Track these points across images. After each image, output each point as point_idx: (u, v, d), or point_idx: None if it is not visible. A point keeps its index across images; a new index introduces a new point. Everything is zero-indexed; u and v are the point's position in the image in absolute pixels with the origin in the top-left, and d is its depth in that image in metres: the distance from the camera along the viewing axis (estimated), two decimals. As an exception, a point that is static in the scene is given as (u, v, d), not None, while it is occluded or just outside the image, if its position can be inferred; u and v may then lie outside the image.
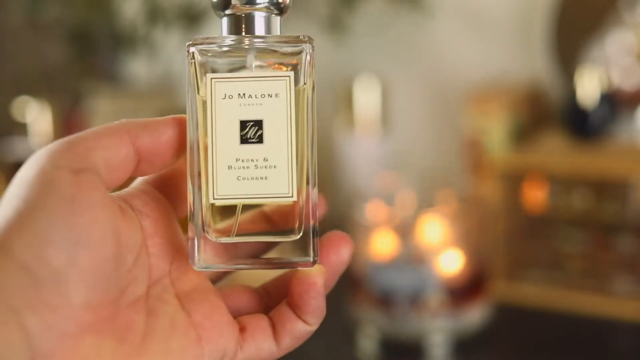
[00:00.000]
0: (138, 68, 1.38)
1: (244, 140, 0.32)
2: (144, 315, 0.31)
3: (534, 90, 1.06)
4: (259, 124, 0.32)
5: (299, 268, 0.33)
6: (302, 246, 0.33)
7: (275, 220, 0.34)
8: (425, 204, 0.90)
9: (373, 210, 0.89)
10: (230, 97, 0.32)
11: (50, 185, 0.28)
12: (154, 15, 1.20)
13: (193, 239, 0.32)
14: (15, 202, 0.28)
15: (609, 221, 0.89)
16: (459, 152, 1.07)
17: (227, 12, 0.33)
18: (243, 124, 0.32)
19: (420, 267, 0.83)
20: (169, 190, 0.34)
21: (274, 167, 0.32)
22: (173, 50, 1.25)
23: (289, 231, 0.33)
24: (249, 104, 0.32)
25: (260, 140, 0.32)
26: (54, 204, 0.28)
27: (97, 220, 0.29)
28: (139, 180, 0.34)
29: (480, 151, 0.99)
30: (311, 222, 0.33)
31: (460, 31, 1.13)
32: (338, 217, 1.14)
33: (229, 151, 0.32)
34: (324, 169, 1.18)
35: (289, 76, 0.32)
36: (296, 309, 0.33)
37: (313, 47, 0.33)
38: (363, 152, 1.10)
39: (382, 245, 0.86)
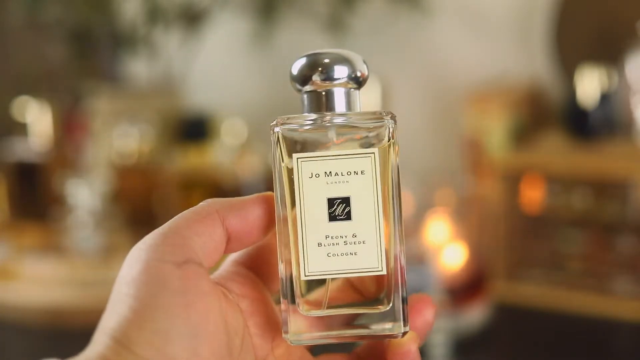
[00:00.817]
0: (138, 68, 1.38)
1: (332, 217, 0.33)
2: None
3: (534, 90, 1.06)
4: (346, 201, 0.33)
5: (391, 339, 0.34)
6: (392, 316, 0.33)
7: (364, 290, 0.34)
8: (425, 204, 0.90)
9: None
10: (317, 175, 0.33)
11: (159, 281, 0.29)
12: (154, 15, 1.20)
13: (285, 312, 0.33)
14: (128, 300, 0.29)
15: (609, 221, 0.89)
16: (459, 152, 1.07)
17: (307, 88, 0.34)
18: (331, 202, 0.33)
19: (420, 267, 0.84)
20: (259, 268, 0.35)
21: (363, 242, 0.33)
22: (173, 50, 1.25)
23: (378, 301, 0.34)
24: (335, 182, 0.33)
25: (348, 217, 0.33)
26: (167, 299, 0.29)
27: (210, 310, 0.30)
28: (228, 261, 0.35)
29: (480, 151, 0.99)
30: (400, 293, 0.33)
31: (460, 31, 1.13)
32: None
33: (318, 228, 0.33)
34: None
35: (374, 153, 0.33)
36: None
37: (395, 121, 0.34)
38: (363, 152, 1.10)
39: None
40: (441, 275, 0.83)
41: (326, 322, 0.34)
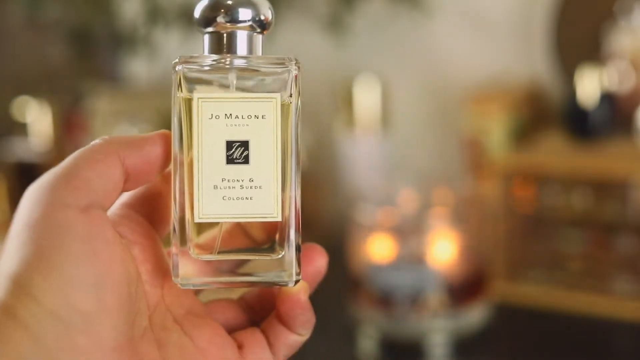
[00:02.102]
0: (138, 68, 1.38)
1: (230, 160, 0.32)
2: (155, 347, 0.31)
3: (534, 90, 1.06)
4: (245, 144, 0.32)
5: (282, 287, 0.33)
6: (283, 264, 0.33)
7: (256, 237, 0.34)
8: (425, 204, 0.90)
9: (373, 210, 0.89)
10: (217, 117, 0.32)
11: (63, 226, 0.28)
12: (154, 15, 1.20)
13: (176, 256, 0.33)
14: (31, 245, 0.28)
15: (609, 221, 0.89)
16: (459, 152, 1.07)
17: (210, 29, 0.33)
18: (229, 144, 0.32)
19: (420, 267, 0.83)
20: (148, 211, 0.34)
21: (260, 187, 0.32)
22: (173, 50, 1.25)
23: (271, 248, 0.33)
24: (235, 125, 0.32)
25: (246, 160, 0.32)
26: (72, 246, 0.28)
27: (114, 258, 0.29)
28: (117, 205, 0.34)
29: (480, 151, 0.99)
30: (294, 241, 0.33)
31: (460, 31, 1.13)
32: (338, 217, 1.14)
33: (215, 171, 0.32)
34: (324, 169, 1.18)
35: (276, 98, 0.33)
36: (286, 324, 0.33)
37: (299, 67, 0.33)
38: (363, 152, 1.10)
39: (382, 245, 0.86)
40: (441, 275, 0.83)
41: (217, 267, 0.34)
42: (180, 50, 1.24)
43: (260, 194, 0.32)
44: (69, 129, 1.28)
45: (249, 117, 0.32)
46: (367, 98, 1.10)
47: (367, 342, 0.85)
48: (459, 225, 0.86)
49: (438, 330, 0.82)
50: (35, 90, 1.30)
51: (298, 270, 0.33)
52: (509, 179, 0.92)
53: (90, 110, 1.23)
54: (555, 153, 0.92)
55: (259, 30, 0.34)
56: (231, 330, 0.34)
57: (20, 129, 1.28)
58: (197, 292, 0.35)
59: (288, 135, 0.33)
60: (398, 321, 0.83)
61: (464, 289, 0.84)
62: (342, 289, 0.91)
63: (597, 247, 0.90)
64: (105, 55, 1.38)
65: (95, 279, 0.28)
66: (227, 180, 0.32)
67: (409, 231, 0.86)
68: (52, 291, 0.27)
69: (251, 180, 0.32)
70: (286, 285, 0.33)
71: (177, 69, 0.33)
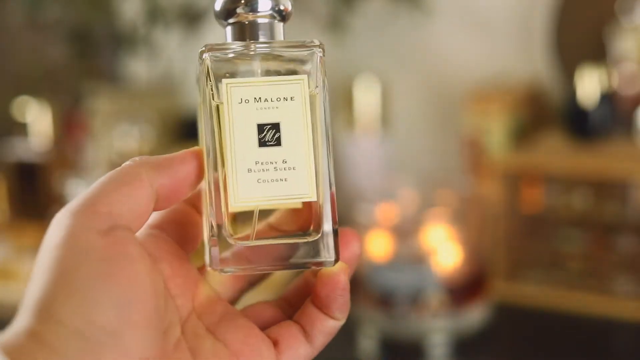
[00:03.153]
0: (138, 68, 1.38)
1: (262, 143, 0.32)
2: (189, 355, 0.32)
3: (534, 90, 1.06)
4: (276, 126, 0.32)
5: (321, 268, 0.33)
6: (321, 246, 0.33)
7: (288, 227, 0.34)
8: (425, 204, 0.90)
9: (373, 210, 0.89)
10: (247, 101, 0.32)
11: (82, 249, 0.29)
12: (154, 15, 1.20)
13: (215, 246, 0.33)
14: (52, 269, 0.28)
15: (609, 221, 0.89)
16: (459, 152, 1.07)
17: (231, 20, 0.34)
18: (260, 128, 0.32)
19: (420, 267, 0.84)
20: (176, 230, 0.35)
21: (293, 168, 0.32)
22: (173, 50, 1.25)
23: (307, 233, 0.33)
24: (265, 108, 0.32)
25: (278, 142, 0.32)
26: (90, 268, 0.28)
27: (138, 276, 0.29)
28: (144, 226, 0.34)
29: (480, 151, 0.99)
30: (331, 222, 0.33)
31: (460, 31, 1.13)
32: (338, 217, 1.14)
33: (248, 155, 0.32)
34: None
35: (303, 79, 0.33)
36: (324, 308, 0.33)
37: (324, 50, 0.33)
38: (363, 152, 1.10)
39: (382, 245, 0.86)
40: (441, 275, 0.83)
41: (255, 253, 0.34)
42: (181, 50, 1.24)
43: (294, 175, 0.32)
44: (69, 129, 1.28)
45: (278, 99, 0.33)
46: (367, 98, 1.10)
47: (367, 342, 0.85)
48: (459, 225, 0.86)
49: (438, 330, 0.82)
50: (35, 90, 1.30)
51: (337, 251, 0.33)
52: (509, 179, 0.92)
53: (90, 110, 1.23)
54: (556, 153, 0.92)
55: (279, 19, 0.34)
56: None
57: (20, 129, 1.28)
58: (232, 300, 0.36)
59: (317, 115, 0.33)
60: (398, 321, 0.83)
61: (464, 289, 0.84)
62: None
63: (597, 247, 0.90)
64: (105, 55, 1.38)
65: (118, 296, 0.28)
66: (260, 163, 0.32)
67: (408, 231, 0.86)
68: (74, 312, 0.28)
69: (284, 161, 0.32)
70: (326, 265, 0.33)
71: (204, 57, 0.33)
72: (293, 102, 0.33)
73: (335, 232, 0.33)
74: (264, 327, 0.34)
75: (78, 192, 1.06)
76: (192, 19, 1.20)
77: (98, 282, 0.28)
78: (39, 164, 1.24)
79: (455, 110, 1.10)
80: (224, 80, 0.33)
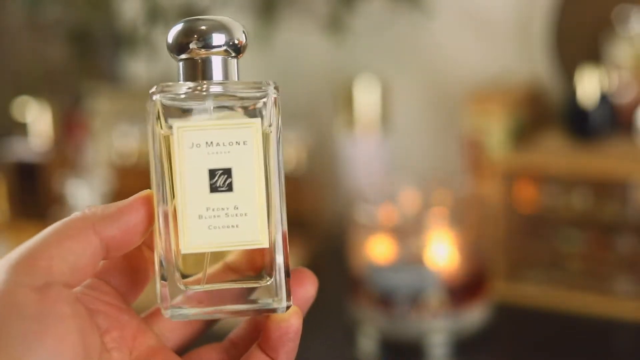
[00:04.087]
0: (138, 68, 1.38)
1: (213, 189, 0.32)
2: None
3: (534, 90, 1.06)
4: (227, 172, 0.32)
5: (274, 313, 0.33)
6: (273, 290, 0.32)
7: (244, 268, 0.34)
8: (425, 204, 0.90)
9: (373, 211, 0.89)
10: (198, 145, 0.32)
11: (13, 306, 0.28)
12: (154, 15, 1.19)
13: (164, 289, 0.32)
14: None
15: (609, 221, 0.89)
16: (459, 152, 1.07)
17: (184, 56, 0.33)
18: (212, 173, 0.32)
19: (420, 267, 0.84)
20: (118, 277, 0.34)
21: (245, 214, 0.32)
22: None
23: (258, 276, 0.33)
24: (217, 152, 0.32)
25: (230, 188, 0.32)
26: (20, 326, 0.28)
27: (68, 335, 0.29)
28: None
29: (480, 151, 0.99)
30: (283, 267, 0.32)
31: (460, 31, 1.13)
32: (338, 217, 1.14)
33: (199, 200, 0.32)
34: (324, 169, 1.18)
35: (256, 122, 0.32)
36: (271, 352, 0.33)
37: (278, 90, 0.33)
38: (363, 152, 1.10)
39: (382, 245, 0.86)
40: (441, 276, 0.83)
41: (206, 298, 0.33)
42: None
43: (246, 221, 0.32)
44: (69, 129, 1.28)
45: (230, 143, 0.32)
46: (367, 98, 1.10)
47: (367, 342, 0.85)
48: (459, 225, 0.86)
49: (438, 330, 0.82)
50: (35, 90, 1.30)
51: (289, 296, 0.33)
52: (509, 179, 0.92)
53: (90, 110, 1.23)
54: (555, 153, 0.92)
55: (233, 54, 0.33)
56: None
57: (20, 129, 1.28)
58: (182, 346, 0.35)
59: (271, 160, 0.32)
60: (398, 321, 0.83)
61: (464, 289, 0.84)
62: (342, 289, 0.91)
63: (597, 247, 0.90)
64: (105, 55, 1.38)
65: (46, 356, 0.28)
66: (212, 209, 0.32)
67: (409, 231, 0.86)
68: None
69: (236, 207, 0.32)
70: (278, 311, 0.32)
71: (154, 98, 0.32)
72: (245, 146, 0.32)
73: (287, 277, 0.33)
74: None
75: (78, 192, 1.06)
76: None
77: (27, 340, 0.28)
78: (39, 164, 1.24)
79: (455, 110, 1.10)
80: (175, 124, 0.32)
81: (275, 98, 0.32)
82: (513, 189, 0.92)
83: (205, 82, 0.33)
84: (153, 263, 0.33)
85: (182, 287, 0.32)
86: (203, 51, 0.33)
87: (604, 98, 0.92)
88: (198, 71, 0.33)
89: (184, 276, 0.33)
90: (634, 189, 0.87)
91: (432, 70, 1.16)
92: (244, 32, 0.34)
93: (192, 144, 0.32)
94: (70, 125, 1.29)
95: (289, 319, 0.32)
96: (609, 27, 0.97)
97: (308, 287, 0.34)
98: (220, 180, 0.32)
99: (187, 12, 1.20)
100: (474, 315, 0.84)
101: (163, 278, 0.32)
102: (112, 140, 1.18)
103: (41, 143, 1.26)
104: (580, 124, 0.93)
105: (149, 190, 0.33)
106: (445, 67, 1.15)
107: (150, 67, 1.30)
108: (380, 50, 1.18)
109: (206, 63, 0.33)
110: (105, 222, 0.31)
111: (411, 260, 0.84)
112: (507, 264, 0.92)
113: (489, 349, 0.84)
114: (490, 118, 0.98)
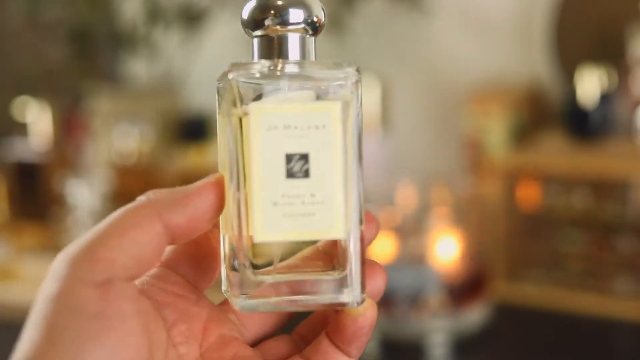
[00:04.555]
0: (138, 68, 1.38)
1: (289, 174, 0.30)
2: None
3: (534, 90, 1.06)
4: (304, 157, 0.30)
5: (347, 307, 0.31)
6: (347, 283, 0.31)
7: (317, 258, 0.32)
8: (425, 203, 0.90)
9: (373, 210, 0.89)
10: (275, 128, 0.30)
11: (74, 304, 0.27)
12: (154, 15, 1.20)
13: (234, 279, 0.31)
14: (42, 324, 0.27)
15: (609, 221, 0.89)
16: (459, 152, 1.07)
17: (259, 32, 0.31)
18: (289, 158, 0.30)
19: (420, 267, 0.84)
20: (188, 266, 0.32)
21: (322, 203, 0.30)
22: (173, 50, 1.25)
23: (334, 269, 0.31)
24: (294, 136, 0.30)
25: (306, 174, 0.30)
26: (80, 325, 0.27)
27: (130, 333, 0.28)
28: None
29: (480, 151, 0.99)
30: (359, 260, 0.31)
31: (460, 31, 1.13)
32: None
33: (275, 187, 0.30)
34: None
35: (336, 106, 0.30)
36: (344, 345, 0.32)
37: (360, 72, 0.31)
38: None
39: (383, 245, 0.86)
40: (441, 275, 0.83)
41: (277, 290, 0.31)
42: (181, 50, 1.24)
43: (322, 210, 0.30)
44: (69, 129, 1.28)
45: (309, 127, 0.30)
46: (367, 98, 1.10)
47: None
48: (459, 225, 0.86)
49: (438, 330, 0.82)
50: (35, 90, 1.30)
51: (364, 289, 0.31)
52: (509, 179, 0.92)
53: (90, 110, 1.23)
54: (555, 153, 0.92)
55: (311, 32, 0.32)
56: None
57: (20, 129, 1.28)
58: (255, 341, 0.34)
59: (350, 146, 0.30)
60: (398, 321, 0.83)
61: (464, 289, 0.84)
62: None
63: (597, 247, 0.90)
64: (105, 55, 1.39)
65: (104, 357, 0.27)
66: (287, 197, 0.30)
67: (409, 231, 0.86)
68: None
69: (312, 195, 0.30)
70: (351, 306, 0.30)
71: (229, 76, 0.30)
72: (324, 130, 0.30)
73: (363, 271, 0.31)
74: None
75: (78, 192, 1.06)
76: (192, 19, 1.20)
77: (87, 341, 0.27)
78: (39, 164, 1.24)
79: (455, 110, 1.10)
80: (252, 105, 0.30)
81: (356, 80, 0.30)
82: (513, 189, 0.92)
83: (281, 60, 0.31)
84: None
85: (252, 277, 0.30)
86: (279, 28, 0.31)
87: (604, 98, 0.92)
88: (274, 49, 0.31)
89: (254, 266, 0.31)
90: (633, 189, 0.87)
91: (432, 70, 1.16)
92: (322, 9, 0.32)
93: (269, 126, 0.30)
94: (70, 125, 1.29)
95: (365, 313, 0.31)
96: (610, 26, 0.97)
97: (378, 280, 0.32)
98: (297, 165, 0.30)
99: (187, 12, 1.20)
100: (474, 315, 0.84)
101: (233, 268, 0.30)
102: (112, 140, 1.18)
103: (41, 143, 1.26)
104: (580, 124, 0.93)
105: (219, 173, 0.31)
106: (445, 67, 1.15)
107: (150, 67, 1.30)
108: (380, 50, 1.18)
109: (282, 41, 0.31)
110: (172, 208, 0.29)
111: (411, 260, 0.84)
112: (507, 264, 0.92)
113: (489, 349, 0.84)
114: (490, 118, 0.98)
